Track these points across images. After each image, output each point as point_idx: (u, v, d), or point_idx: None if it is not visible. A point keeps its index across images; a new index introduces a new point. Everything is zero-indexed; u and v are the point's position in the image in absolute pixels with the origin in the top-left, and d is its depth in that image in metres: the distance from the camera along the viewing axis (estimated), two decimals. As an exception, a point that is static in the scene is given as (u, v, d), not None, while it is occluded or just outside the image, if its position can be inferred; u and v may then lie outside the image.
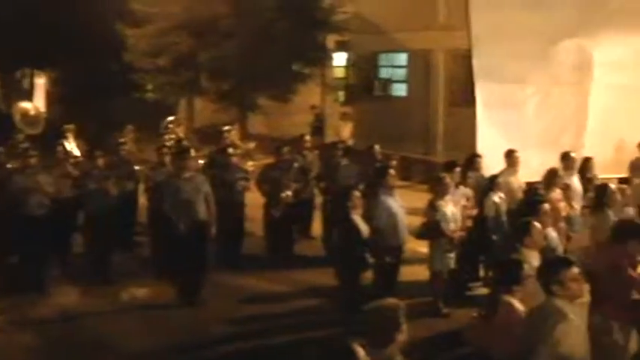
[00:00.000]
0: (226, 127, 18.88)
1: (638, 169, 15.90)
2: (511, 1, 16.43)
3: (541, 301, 7.26)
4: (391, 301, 6.32)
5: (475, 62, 16.13)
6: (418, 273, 13.42)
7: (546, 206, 10.95)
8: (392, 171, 12.91)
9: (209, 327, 12.21)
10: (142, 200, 16.72)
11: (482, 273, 14.39)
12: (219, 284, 13.94)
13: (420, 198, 14.37)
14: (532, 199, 11.99)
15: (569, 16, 16.57)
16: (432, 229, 12.49)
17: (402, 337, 6.15)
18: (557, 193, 13.39)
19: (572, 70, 16.92)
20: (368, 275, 11.99)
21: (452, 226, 12.61)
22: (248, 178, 15.98)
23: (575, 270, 7.14)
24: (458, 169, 13.84)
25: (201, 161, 16.16)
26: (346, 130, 28.04)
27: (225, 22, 26.43)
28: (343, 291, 11.83)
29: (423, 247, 13.37)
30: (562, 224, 12.95)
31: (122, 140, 17.70)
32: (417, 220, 13.07)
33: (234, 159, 15.98)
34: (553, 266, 7.30)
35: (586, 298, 8.80)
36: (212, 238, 13.83)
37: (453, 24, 22.34)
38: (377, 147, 16.56)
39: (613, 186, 12.64)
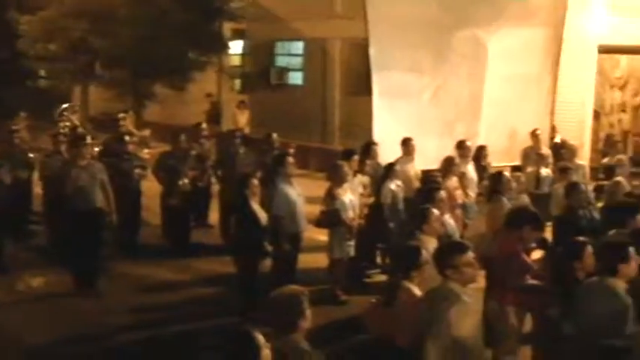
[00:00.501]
0: (122, 115, 18.68)
1: (531, 157, 16.29)
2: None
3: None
4: (294, 287, 6.34)
5: (372, 51, 16.20)
6: (316, 261, 13.49)
7: (443, 194, 11.12)
8: (290, 159, 12.95)
9: (107, 316, 12.07)
10: (37, 189, 16.48)
11: (379, 260, 14.58)
12: (116, 273, 13.83)
13: (317, 186, 14.46)
14: (429, 186, 12.14)
15: (465, 8, 16.82)
16: (331, 217, 12.55)
17: (305, 324, 6.18)
18: (453, 181, 13.61)
19: (468, 60, 17.16)
20: (267, 263, 11.97)
21: (350, 214, 12.70)
22: (145, 166, 15.87)
23: (470, 255, 7.28)
24: (356, 157, 13.94)
25: (96, 149, 15.93)
26: (243, 119, 27.92)
27: (121, 9, 26.10)
28: (242, 279, 11.83)
29: (320, 235, 13.47)
30: (458, 211, 13.21)
31: (15, 128, 17.40)
32: (316, 208, 13.14)
33: (131, 147, 15.84)
34: (448, 251, 7.43)
35: (481, 283, 8.99)
36: (110, 226, 13.69)
37: (349, 13, 22.41)
38: (274, 135, 16.57)
39: (507, 174, 12.88)
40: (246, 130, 24.71)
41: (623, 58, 19.38)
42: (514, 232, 9.19)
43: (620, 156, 15.35)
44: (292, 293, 6.23)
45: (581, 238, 8.40)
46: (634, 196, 11.24)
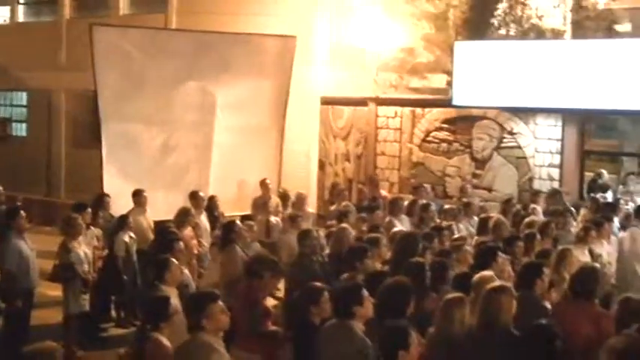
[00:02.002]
0: None
1: (261, 207, 16.64)
2: (134, 44, 16.67)
3: (186, 336, 7.46)
4: (49, 344, 6.25)
5: (101, 103, 16.18)
6: (49, 316, 13.22)
7: (181, 244, 11.18)
8: (23, 213, 12.69)
9: None
10: None
11: (114, 313, 14.45)
12: None
13: (41, 239, 14.19)
14: (166, 237, 12.12)
15: (191, 61, 17.12)
16: (66, 271, 12.30)
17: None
18: (189, 231, 13.69)
19: (197, 111, 17.44)
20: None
21: (86, 267, 12.51)
22: None
23: (221, 303, 7.41)
24: (88, 210, 13.78)
25: None
26: (-39, 171, 26.94)
27: None
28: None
29: (51, 290, 13.22)
30: (194, 261, 13.31)
31: None
32: (44, 262, 12.91)
33: None
34: (201, 301, 7.49)
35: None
36: None
37: (75, 64, 22.22)
38: (0, 188, 16.13)
39: (239, 223, 13.06)
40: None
41: (346, 109, 20.15)
42: (255, 280, 9.39)
43: (346, 203, 15.90)
44: (46, 350, 6.13)
45: (318, 284, 8.66)
46: (362, 240, 11.67)
